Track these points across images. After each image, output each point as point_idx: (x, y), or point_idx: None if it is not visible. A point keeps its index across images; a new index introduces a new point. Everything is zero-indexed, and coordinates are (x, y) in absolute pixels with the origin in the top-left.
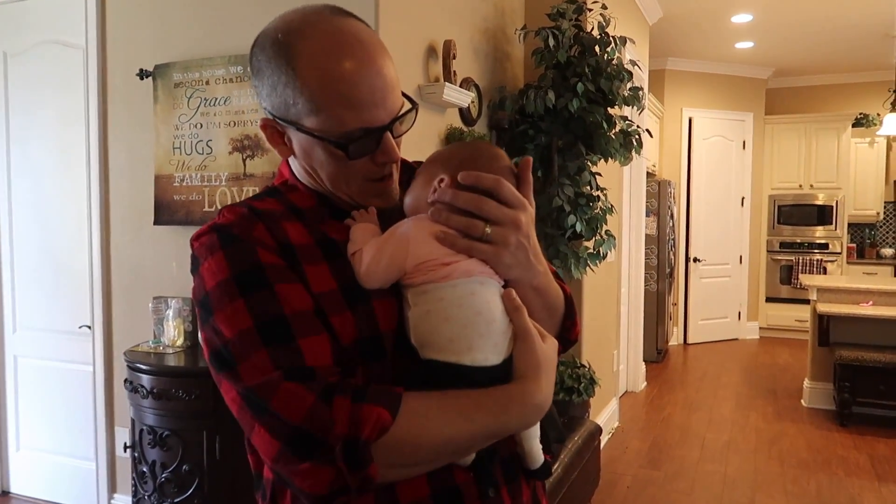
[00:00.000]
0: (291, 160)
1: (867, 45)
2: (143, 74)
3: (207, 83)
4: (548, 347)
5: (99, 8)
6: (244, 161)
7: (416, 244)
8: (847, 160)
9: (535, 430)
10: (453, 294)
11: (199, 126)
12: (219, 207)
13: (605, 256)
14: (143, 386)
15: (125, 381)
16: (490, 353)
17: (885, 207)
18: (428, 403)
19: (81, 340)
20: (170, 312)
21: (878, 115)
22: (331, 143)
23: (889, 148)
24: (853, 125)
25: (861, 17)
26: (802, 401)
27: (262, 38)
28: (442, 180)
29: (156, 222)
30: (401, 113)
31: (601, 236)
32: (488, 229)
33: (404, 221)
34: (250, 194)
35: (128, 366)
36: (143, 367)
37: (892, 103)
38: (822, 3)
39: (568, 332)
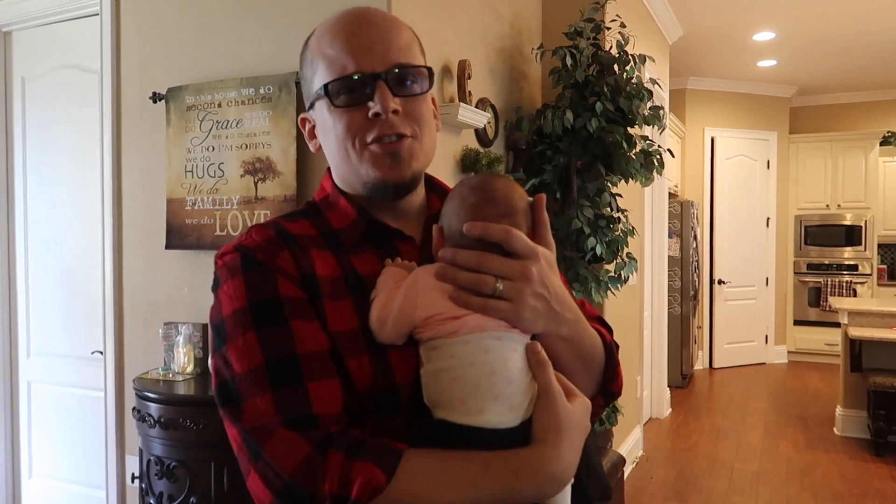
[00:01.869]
0: (331, 166)
1: (893, 62)
2: (156, 98)
3: (219, 106)
4: (575, 409)
5: (114, 32)
6: (256, 184)
7: (424, 295)
8: (875, 179)
9: (564, 499)
10: (465, 351)
11: (210, 149)
12: (230, 231)
13: (626, 280)
14: (150, 415)
15: (133, 409)
16: (505, 414)
17: None
18: (430, 464)
19: (94, 366)
20: (180, 339)
21: None
22: (321, 93)
23: None
24: (881, 143)
25: (886, 33)
26: (835, 429)
27: None
28: (441, 229)
29: (167, 246)
30: (404, 63)
31: (622, 259)
32: (499, 285)
33: (417, 269)
34: (262, 218)
35: (136, 394)
36: (151, 395)
37: None
38: (846, 20)
39: (610, 383)
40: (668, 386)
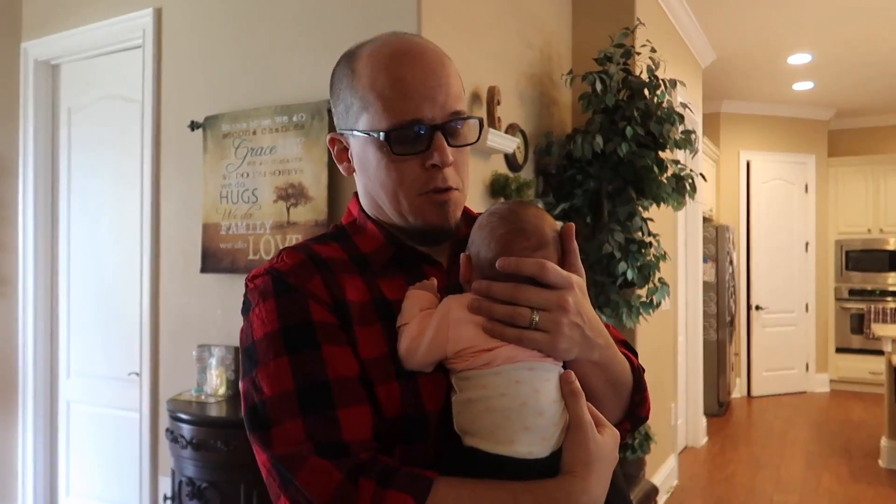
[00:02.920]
0: (360, 192)
1: None
2: (193, 126)
3: (254, 133)
4: (605, 441)
5: (155, 63)
6: (288, 209)
7: (456, 329)
8: None
9: None
10: (496, 382)
11: (245, 175)
12: (263, 255)
13: (658, 305)
14: (182, 436)
15: (166, 430)
16: (536, 445)
17: None
18: (460, 494)
19: (131, 387)
20: (213, 361)
21: None
22: (377, 136)
23: None
24: None
25: None
26: (880, 461)
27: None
28: (469, 257)
29: (202, 270)
30: (459, 114)
31: (654, 284)
32: (536, 316)
33: (448, 299)
34: (293, 242)
35: (169, 415)
36: (184, 416)
37: None
38: (883, 42)
39: (638, 407)
40: (705, 414)
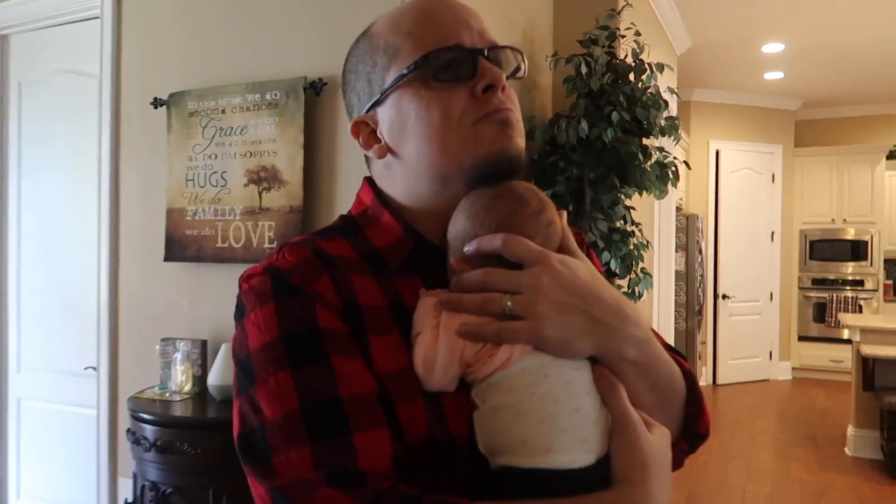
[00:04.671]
0: (378, 174)
1: None
2: (157, 103)
3: (223, 112)
4: (657, 439)
5: (114, 36)
6: (260, 194)
7: None
8: (882, 193)
9: None
10: (522, 381)
11: (213, 157)
12: (232, 243)
13: (640, 296)
14: (145, 437)
15: (127, 430)
16: (577, 451)
17: None
18: None
19: (87, 383)
20: (178, 356)
21: None
22: (413, 69)
23: None
24: (887, 157)
25: (893, 45)
26: (846, 449)
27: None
28: (459, 261)
29: (166, 258)
30: (500, 44)
31: (636, 274)
32: (508, 302)
33: None
34: (266, 229)
35: (131, 414)
36: (147, 416)
37: None
38: (855, 32)
39: (693, 422)
40: None
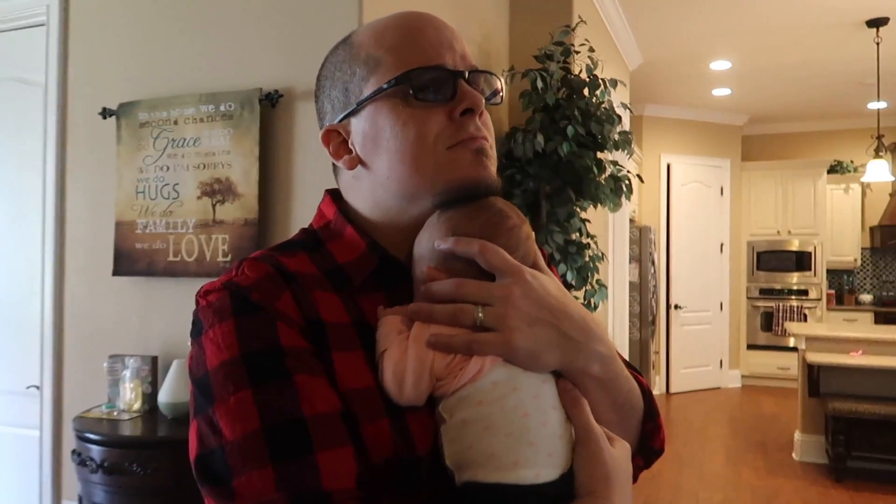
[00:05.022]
0: (345, 185)
1: (841, 93)
2: (106, 113)
3: (176, 123)
4: (619, 452)
5: (61, 43)
6: (214, 207)
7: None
8: (824, 207)
9: None
10: (492, 394)
11: (165, 168)
12: (185, 256)
13: (596, 307)
14: (92, 458)
15: (73, 451)
16: (543, 466)
17: (861, 254)
18: None
19: (29, 402)
20: (127, 373)
21: (852, 161)
22: (393, 84)
23: (864, 195)
24: (828, 171)
25: (836, 64)
26: (794, 454)
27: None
28: (434, 269)
29: (115, 272)
30: (479, 68)
31: (592, 286)
32: (480, 313)
33: None
34: (220, 242)
35: (76, 434)
36: (93, 436)
37: (875, 150)
38: (798, 51)
39: (651, 437)
40: None
